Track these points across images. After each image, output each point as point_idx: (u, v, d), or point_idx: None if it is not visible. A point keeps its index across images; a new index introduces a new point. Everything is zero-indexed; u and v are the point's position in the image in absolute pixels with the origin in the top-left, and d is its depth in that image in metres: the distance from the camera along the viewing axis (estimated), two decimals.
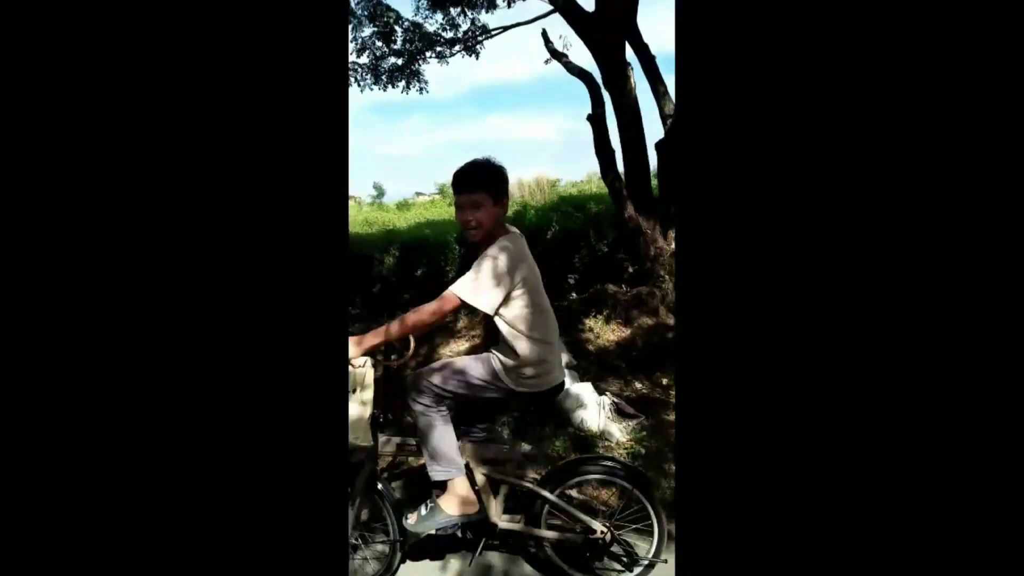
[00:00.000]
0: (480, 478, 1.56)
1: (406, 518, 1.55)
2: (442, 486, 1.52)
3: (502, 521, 1.57)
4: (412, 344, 1.58)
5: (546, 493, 1.52)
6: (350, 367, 1.43)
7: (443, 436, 1.48)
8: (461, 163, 1.51)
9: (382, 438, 1.55)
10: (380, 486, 1.59)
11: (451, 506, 1.50)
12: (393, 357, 1.57)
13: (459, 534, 1.58)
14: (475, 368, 1.50)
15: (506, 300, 1.42)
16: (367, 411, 1.48)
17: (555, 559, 1.59)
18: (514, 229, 1.54)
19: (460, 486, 1.50)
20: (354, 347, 1.38)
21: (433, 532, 1.51)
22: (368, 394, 1.48)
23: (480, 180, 1.45)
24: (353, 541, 1.62)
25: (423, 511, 1.53)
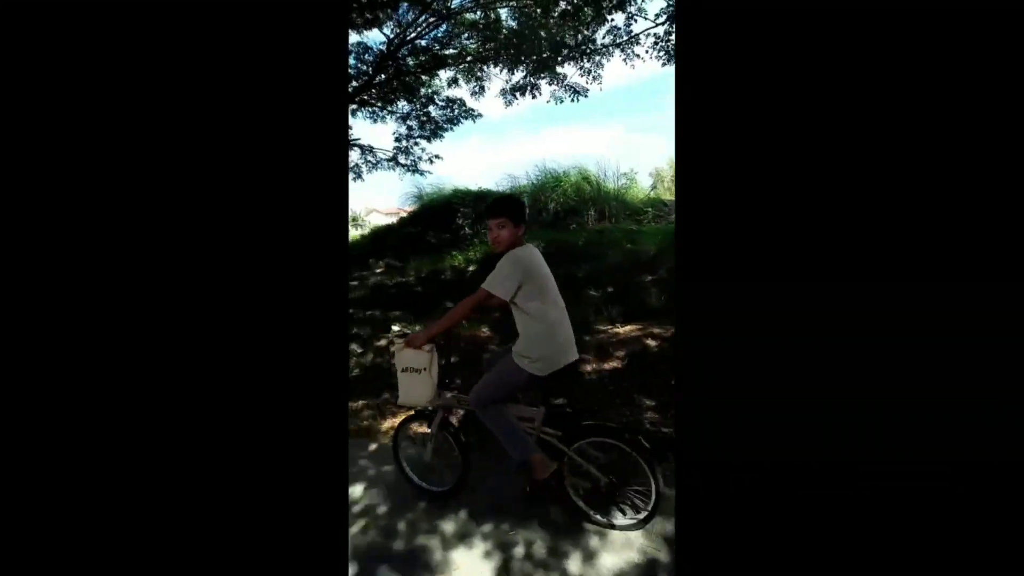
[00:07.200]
0: None
1: (525, 498, 2.14)
2: (527, 466, 1.97)
3: None
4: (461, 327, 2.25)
5: (562, 447, 2.00)
6: (422, 350, 2.06)
7: (509, 431, 1.98)
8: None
9: (447, 394, 2.21)
10: (449, 424, 2.29)
11: (539, 474, 1.96)
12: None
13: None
14: (504, 373, 1.99)
15: (519, 291, 1.87)
16: (434, 381, 2.10)
17: (574, 499, 2.07)
18: (528, 244, 2.02)
19: (537, 458, 1.96)
20: (422, 338, 2.03)
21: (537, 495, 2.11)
22: (435, 369, 2.10)
23: (505, 209, 1.97)
24: (433, 463, 2.34)
25: (528, 490, 2.14)
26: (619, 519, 2.00)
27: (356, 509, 2.32)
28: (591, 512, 2.03)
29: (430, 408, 2.21)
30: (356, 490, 2.47)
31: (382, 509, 2.30)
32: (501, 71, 7.73)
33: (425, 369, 2.07)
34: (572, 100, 7.51)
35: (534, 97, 7.60)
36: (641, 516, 1.91)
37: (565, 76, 7.39)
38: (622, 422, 2.87)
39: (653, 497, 1.85)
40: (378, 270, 7.98)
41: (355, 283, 7.40)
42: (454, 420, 2.37)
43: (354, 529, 2.17)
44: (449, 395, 2.21)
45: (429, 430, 2.27)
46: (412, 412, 2.40)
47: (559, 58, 7.02)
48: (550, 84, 7.48)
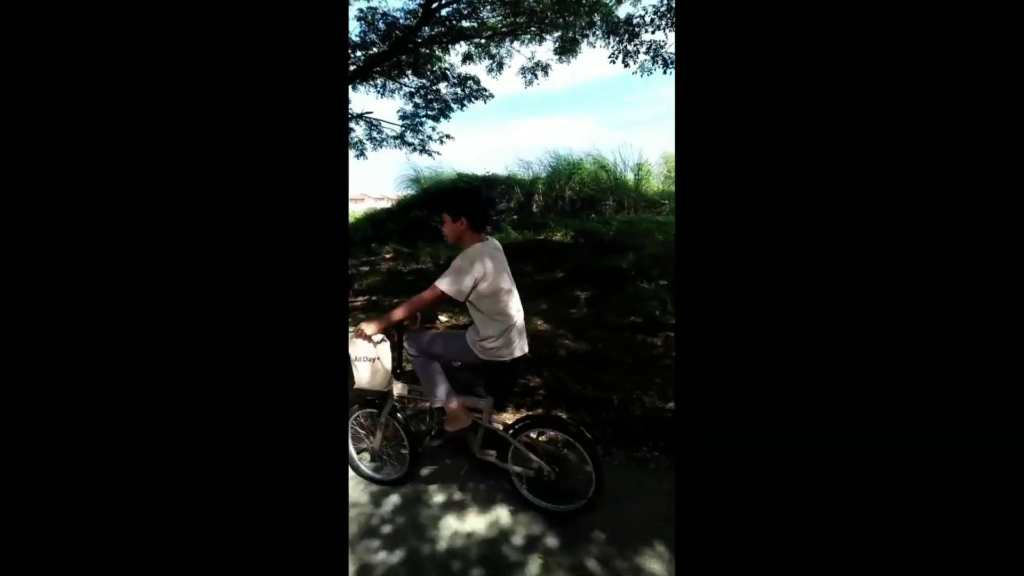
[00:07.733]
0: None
1: (428, 440, 2.24)
2: (442, 411, 2.09)
3: (480, 454, 2.15)
4: (418, 319, 2.28)
5: (508, 437, 2.03)
6: (372, 340, 2.03)
7: (433, 377, 2.07)
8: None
9: (398, 384, 2.20)
10: (398, 415, 2.26)
11: (451, 425, 2.07)
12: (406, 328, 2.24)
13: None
14: (451, 340, 2.06)
15: (473, 290, 1.87)
16: (386, 368, 2.09)
17: (519, 487, 2.10)
18: (488, 237, 2.02)
19: (452, 410, 2.06)
20: (372, 327, 1.97)
21: (441, 442, 2.23)
22: (386, 357, 2.08)
23: (439, 205, 2.03)
24: (381, 452, 2.32)
25: (434, 434, 2.22)
26: (560, 505, 2.02)
27: (518, 541, 1.88)
28: (533, 498, 2.07)
29: (388, 389, 2.18)
30: (502, 515, 2.03)
31: (551, 541, 1.87)
32: (527, 44, 7.25)
33: (378, 358, 2.08)
34: (664, 72, 6.70)
35: (626, 66, 6.72)
36: (582, 503, 1.96)
37: (664, 43, 6.54)
38: None
39: (594, 484, 1.93)
40: (387, 255, 7.40)
41: (365, 268, 6.81)
42: (403, 411, 2.35)
43: (533, 569, 1.74)
44: (401, 385, 2.21)
45: (381, 420, 2.26)
46: (363, 401, 2.36)
47: (645, 26, 6.42)
48: (641, 53, 6.67)
